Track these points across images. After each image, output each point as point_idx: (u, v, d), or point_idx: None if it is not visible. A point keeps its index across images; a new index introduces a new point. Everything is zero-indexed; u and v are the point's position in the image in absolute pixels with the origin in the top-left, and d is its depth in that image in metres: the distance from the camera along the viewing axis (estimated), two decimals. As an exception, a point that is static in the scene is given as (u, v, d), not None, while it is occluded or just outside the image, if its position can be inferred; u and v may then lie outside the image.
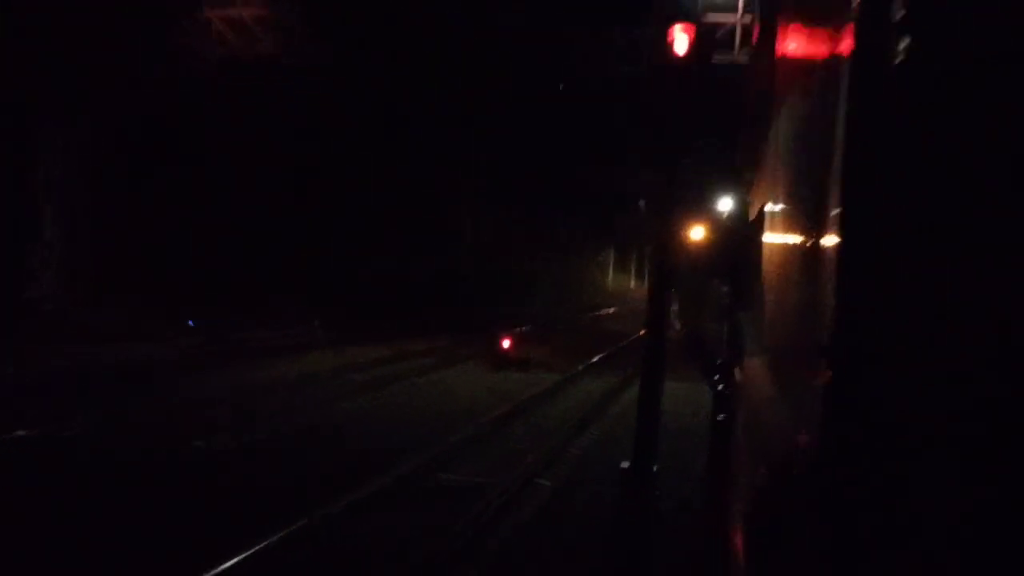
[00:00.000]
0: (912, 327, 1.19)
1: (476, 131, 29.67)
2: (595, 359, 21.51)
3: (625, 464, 7.01)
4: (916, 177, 1.19)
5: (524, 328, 26.53)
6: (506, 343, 17.82)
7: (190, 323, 18.40)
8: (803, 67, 2.19)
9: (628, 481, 7.07)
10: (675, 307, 41.99)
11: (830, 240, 1.36)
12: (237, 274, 24.03)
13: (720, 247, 24.54)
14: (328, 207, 27.62)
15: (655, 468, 7.10)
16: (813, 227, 1.63)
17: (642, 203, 51.94)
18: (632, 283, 64.94)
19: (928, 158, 1.18)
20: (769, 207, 3.35)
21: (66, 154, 19.17)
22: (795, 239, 2.06)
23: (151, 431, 10.40)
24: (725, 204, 24.56)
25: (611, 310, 48.70)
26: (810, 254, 1.67)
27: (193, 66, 19.08)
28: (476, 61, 22.74)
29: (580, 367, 19.60)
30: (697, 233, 35.33)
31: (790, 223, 2.32)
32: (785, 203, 2.61)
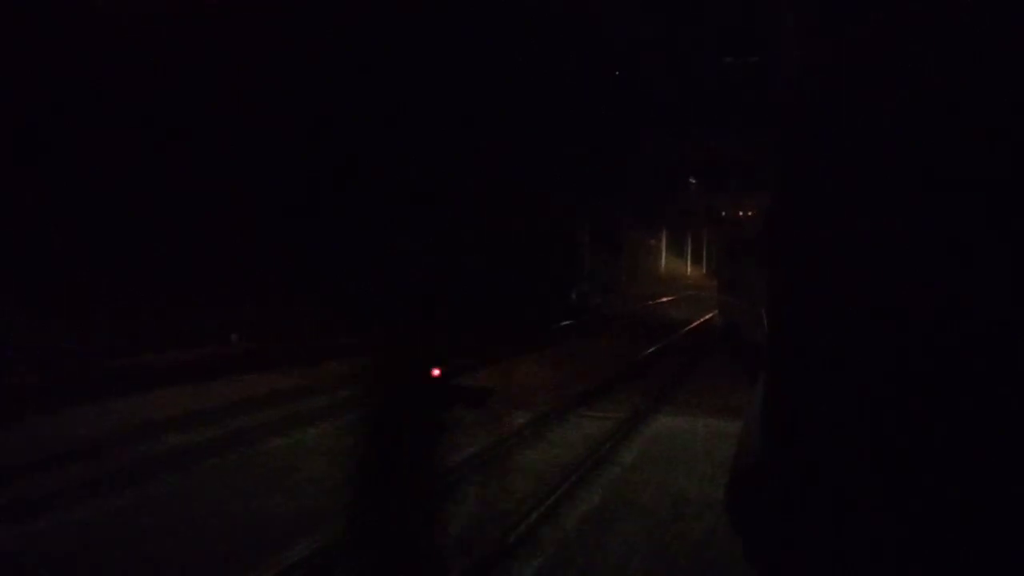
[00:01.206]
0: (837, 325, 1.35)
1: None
2: (611, 373, 15.29)
3: None
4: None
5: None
6: (436, 371, 11.40)
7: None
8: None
9: None
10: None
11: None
12: (138, 275, 18.24)
13: (761, 229, 20.66)
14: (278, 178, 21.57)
15: None
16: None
17: (692, 179, 46.78)
18: (689, 269, 58.12)
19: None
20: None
21: None
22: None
23: None
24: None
25: (664, 299, 41.85)
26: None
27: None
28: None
29: (580, 388, 13.61)
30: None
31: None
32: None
